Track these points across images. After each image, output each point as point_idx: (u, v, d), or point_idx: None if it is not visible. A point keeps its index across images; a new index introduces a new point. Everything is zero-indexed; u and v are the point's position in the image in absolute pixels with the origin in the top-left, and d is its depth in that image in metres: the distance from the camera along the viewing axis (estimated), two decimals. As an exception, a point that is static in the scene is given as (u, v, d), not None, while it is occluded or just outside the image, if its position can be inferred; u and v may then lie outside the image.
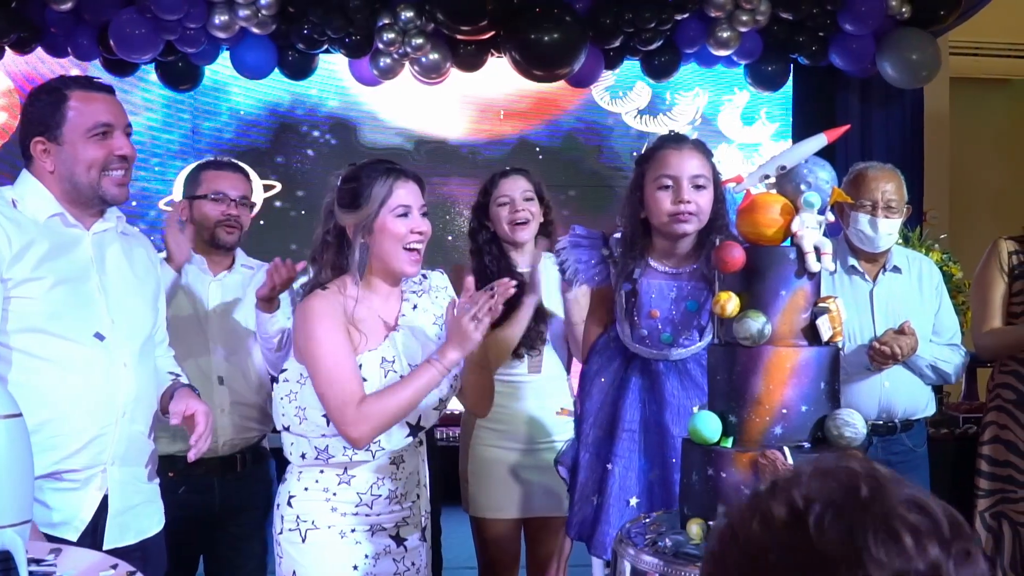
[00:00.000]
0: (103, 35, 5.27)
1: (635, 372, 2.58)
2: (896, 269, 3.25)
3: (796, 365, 2.02)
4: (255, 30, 5.32)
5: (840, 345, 2.13)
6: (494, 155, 6.37)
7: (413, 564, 2.46)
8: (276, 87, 6.24)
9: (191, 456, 2.37)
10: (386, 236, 2.34)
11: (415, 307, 2.46)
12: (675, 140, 2.62)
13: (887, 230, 3.15)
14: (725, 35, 5.49)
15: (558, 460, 2.75)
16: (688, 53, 5.73)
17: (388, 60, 5.47)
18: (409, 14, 5.26)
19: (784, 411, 2.01)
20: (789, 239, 2.08)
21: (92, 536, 2.29)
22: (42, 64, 5.87)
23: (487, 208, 3.21)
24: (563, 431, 3.14)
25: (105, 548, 2.24)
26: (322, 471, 2.38)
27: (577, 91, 6.26)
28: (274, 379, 2.51)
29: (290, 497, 2.40)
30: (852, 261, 3.22)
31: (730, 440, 2.03)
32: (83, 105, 2.31)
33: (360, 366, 2.31)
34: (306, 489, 2.39)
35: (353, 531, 2.37)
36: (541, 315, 3.11)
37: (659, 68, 5.80)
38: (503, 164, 3.62)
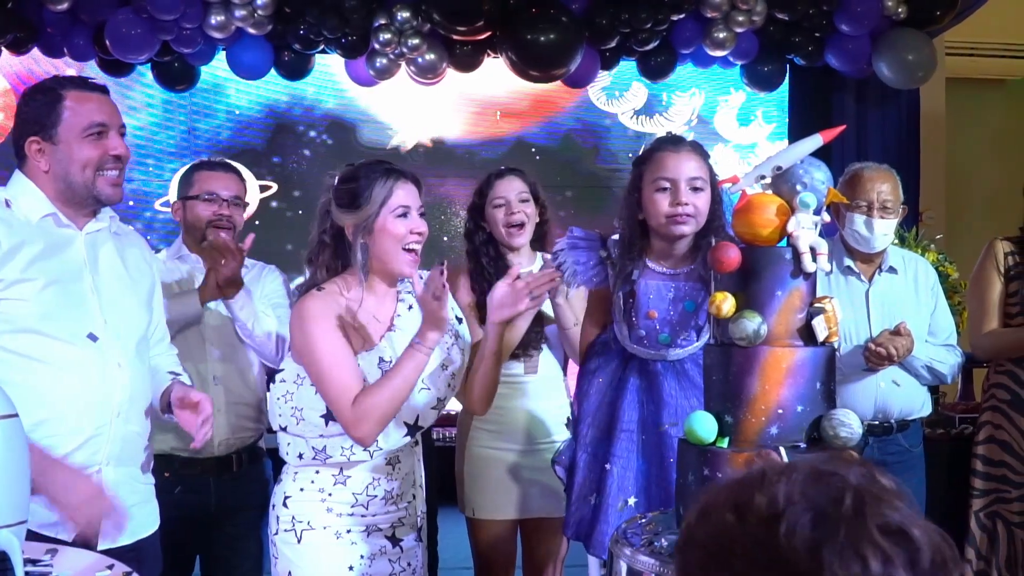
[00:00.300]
0: (99, 35, 5.27)
1: (633, 372, 2.59)
2: (892, 270, 3.25)
3: (792, 365, 2.02)
4: (251, 30, 5.31)
5: (836, 345, 2.13)
6: (491, 156, 6.36)
7: (409, 565, 2.46)
8: (273, 87, 6.23)
9: (197, 441, 2.37)
10: (386, 236, 2.35)
11: (410, 307, 2.46)
12: (672, 142, 2.63)
13: (883, 231, 3.16)
14: (721, 35, 5.49)
15: (555, 460, 2.75)
16: (684, 53, 5.73)
17: (384, 60, 5.46)
18: (405, 14, 5.26)
19: (780, 411, 2.01)
20: (785, 239, 2.08)
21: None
22: (37, 65, 5.85)
23: (483, 209, 3.20)
24: (559, 432, 3.14)
25: (99, 548, 2.24)
26: (318, 471, 2.38)
27: (574, 91, 6.25)
28: (270, 379, 2.51)
29: (286, 498, 2.40)
30: (848, 262, 3.22)
31: (726, 440, 2.03)
32: (78, 105, 2.30)
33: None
34: (302, 490, 2.38)
35: (349, 532, 2.37)
36: (540, 316, 3.11)
37: (655, 68, 5.80)
38: (499, 165, 3.61)
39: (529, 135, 6.51)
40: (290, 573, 2.38)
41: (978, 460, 3.48)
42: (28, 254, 2.24)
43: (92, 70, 5.53)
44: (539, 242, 3.25)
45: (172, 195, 4.83)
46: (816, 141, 2.14)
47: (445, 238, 6.18)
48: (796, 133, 5.99)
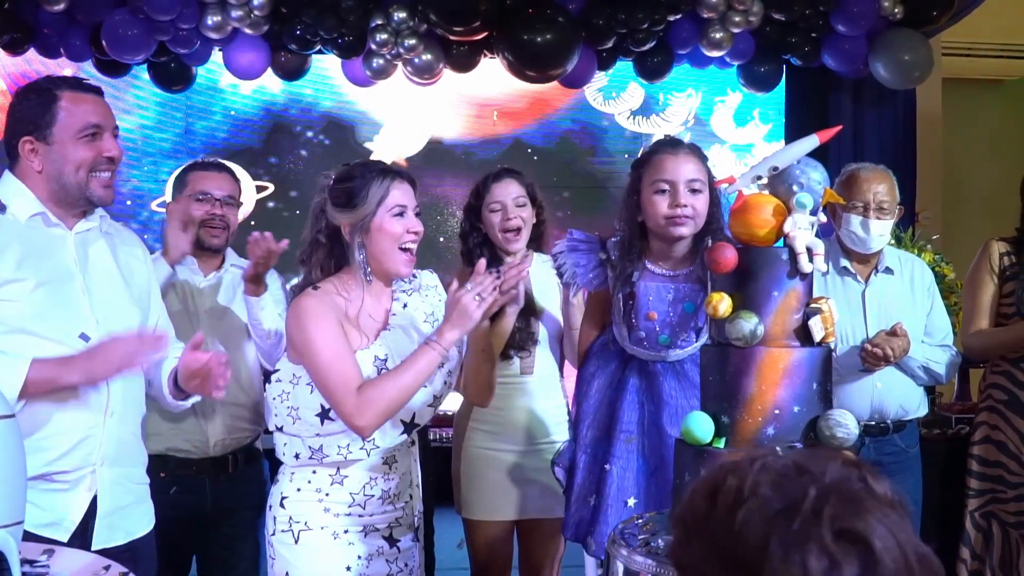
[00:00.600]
0: (96, 36, 5.26)
1: (632, 373, 2.60)
2: (888, 270, 3.25)
3: (788, 366, 2.02)
4: (248, 31, 5.31)
5: (832, 346, 2.13)
6: (488, 156, 6.35)
7: (406, 565, 2.46)
8: (270, 87, 6.23)
9: (216, 395, 2.36)
10: (383, 236, 2.35)
11: (405, 306, 2.47)
12: (671, 145, 2.64)
13: (879, 231, 3.16)
14: (718, 36, 5.49)
15: (555, 461, 2.76)
16: (681, 54, 5.72)
17: (381, 61, 5.45)
18: (402, 15, 5.25)
19: (776, 412, 2.02)
20: (781, 240, 2.09)
21: (81, 537, 2.28)
22: (29, 66, 5.83)
23: (479, 211, 3.19)
24: (556, 432, 3.14)
25: (94, 548, 2.24)
26: (315, 472, 2.38)
27: (570, 92, 6.25)
28: (267, 380, 2.51)
29: (282, 498, 2.40)
30: (844, 262, 3.23)
31: (722, 441, 2.04)
32: (73, 106, 2.30)
33: (354, 364, 2.31)
34: (298, 490, 2.38)
35: (346, 532, 2.37)
36: (530, 315, 3.09)
37: (652, 69, 5.80)
38: (496, 165, 3.60)
39: (526, 135, 6.51)
40: (287, 574, 2.38)
41: (974, 460, 3.48)
42: (17, 255, 2.24)
43: (88, 71, 5.52)
44: (536, 242, 3.24)
45: (168, 195, 4.83)
46: (812, 141, 2.14)
47: (441, 238, 6.18)
48: (793, 133, 5.99)
